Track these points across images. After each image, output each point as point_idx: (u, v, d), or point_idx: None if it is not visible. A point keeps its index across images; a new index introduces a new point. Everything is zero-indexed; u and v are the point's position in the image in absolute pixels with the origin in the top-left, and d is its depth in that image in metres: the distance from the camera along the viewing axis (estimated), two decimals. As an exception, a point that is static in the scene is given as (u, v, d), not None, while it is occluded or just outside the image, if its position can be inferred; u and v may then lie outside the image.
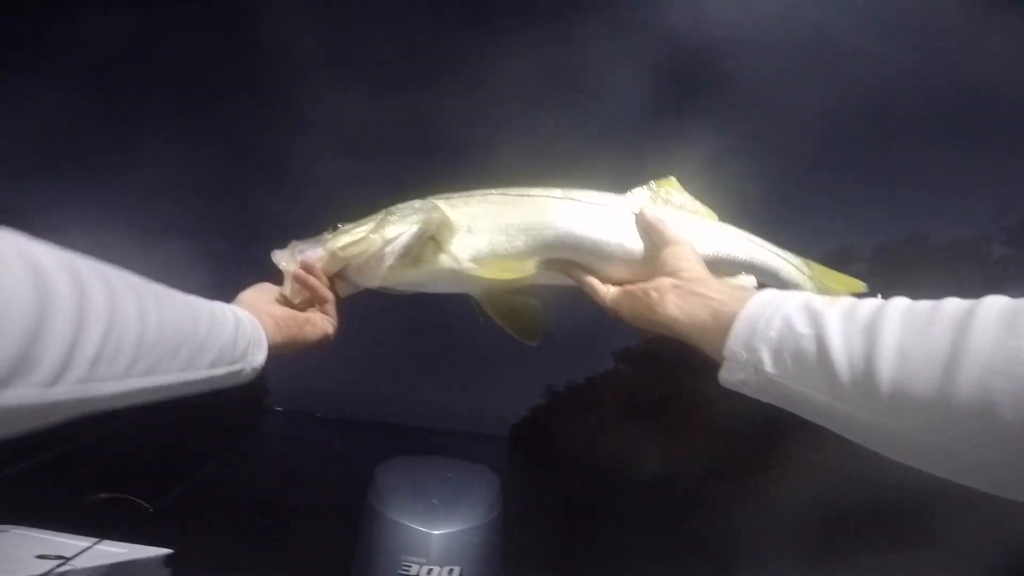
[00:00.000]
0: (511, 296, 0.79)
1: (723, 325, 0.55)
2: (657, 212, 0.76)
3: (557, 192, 0.78)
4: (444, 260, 0.76)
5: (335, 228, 0.80)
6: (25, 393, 0.35)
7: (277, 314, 0.72)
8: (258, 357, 0.64)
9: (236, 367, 0.60)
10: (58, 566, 1.57)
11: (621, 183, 0.83)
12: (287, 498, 9.90)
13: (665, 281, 0.66)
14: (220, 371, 0.57)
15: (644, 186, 0.82)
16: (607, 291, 0.73)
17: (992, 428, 0.36)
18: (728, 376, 0.54)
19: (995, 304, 0.39)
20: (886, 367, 0.41)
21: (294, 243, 0.79)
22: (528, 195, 0.78)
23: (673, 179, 0.83)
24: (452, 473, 2.10)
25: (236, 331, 0.60)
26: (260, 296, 0.75)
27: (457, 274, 0.76)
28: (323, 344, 0.78)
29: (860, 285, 0.82)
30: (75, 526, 2.03)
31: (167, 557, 2.11)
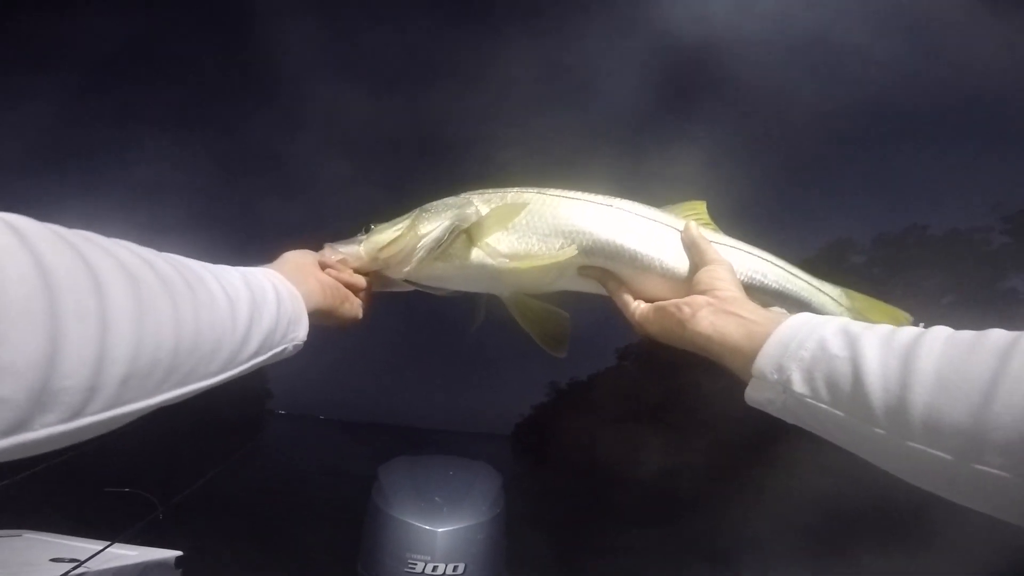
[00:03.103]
0: (539, 303, 0.77)
1: (755, 345, 0.54)
2: (702, 230, 0.74)
3: (598, 198, 0.76)
4: (476, 255, 0.73)
5: (367, 229, 0.78)
6: (44, 431, 0.31)
7: (324, 281, 0.70)
8: (300, 333, 0.61)
9: (278, 349, 0.57)
10: (72, 569, 1.60)
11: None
12: (292, 499, 9.94)
13: (699, 298, 0.65)
14: (262, 358, 0.54)
15: (676, 205, 0.80)
16: (637, 306, 0.72)
17: None
18: (755, 395, 0.54)
19: None
20: (921, 392, 0.40)
21: (329, 244, 0.77)
22: (567, 197, 0.76)
23: (703, 204, 0.80)
24: (454, 471, 2.12)
25: (277, 312, 0.56)
26: (306, 259, 0.72)
27: (487, 270, 0.73)
28: (352, 325, 0.76)
29: (905, 317, 0.77)
30: (87, 530, 2.07)
31: (177, 559, 2.15)
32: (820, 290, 0.77)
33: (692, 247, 0.73)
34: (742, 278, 0.73)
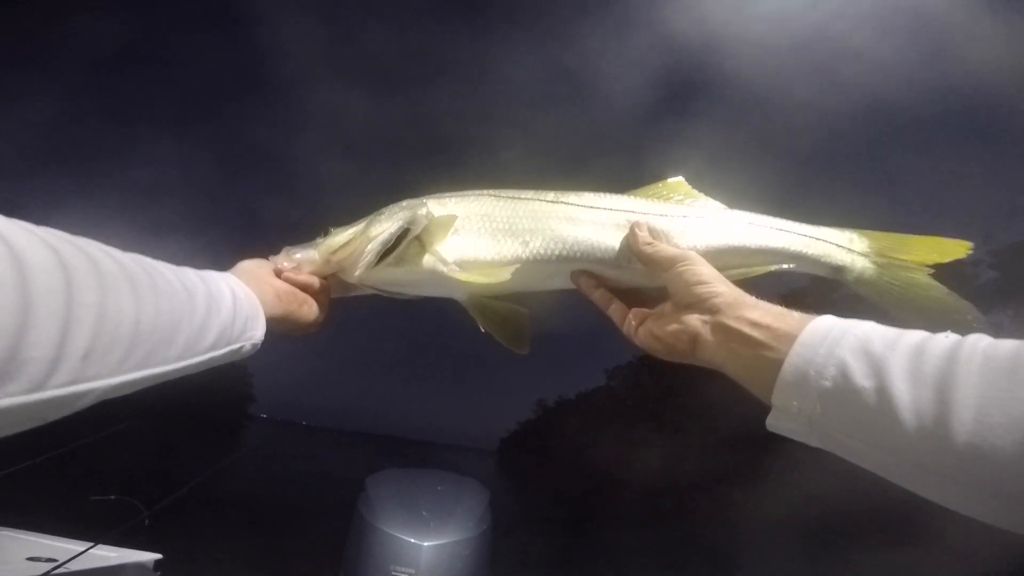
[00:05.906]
0: (497, 302, 0.75)
1: (769, 370, 0.49)
2: (644, 236, 0.68)
3: (548, 195, 0.74)
4: (427, 261, 0.72)
5: (326, 232, 0.78)
6: (7, 401, 0.32)
7: (279, 287, 0.70)
8: (257, 332, 0.61)
9: (235, 346, 0.57)
10: (50, 569, 1.58)
11: (623, 184, 0.77)
12: (275, 507, 9.78)
13: (692, 320, 0.58)
14: (219, 352, 0.54)
15: (651, 185, 0.77)
16: (631, 327, 0.65)
17: None
18: (777, 423, 0.49)
19: None
20: (962, 431, 0.37)
21: (287, 248, 0.77)
22: (519, 198, 0.74)
23: (681, 179, 0.77)
24: (442, 486, 2.13)
25: (234, 308, 0.57)
26: (261, 267, 0.72)
27: (439, 276, 0.72)
28: (312, 328, 0.76)
29: (963, 248, 0.67)
30: (69, 530, 2.04)
31: (156, 562, 2.12)
32: (816, 238, 0.70)
33: (649, 261, 0.66)
34: (717, 244, 0.70)
